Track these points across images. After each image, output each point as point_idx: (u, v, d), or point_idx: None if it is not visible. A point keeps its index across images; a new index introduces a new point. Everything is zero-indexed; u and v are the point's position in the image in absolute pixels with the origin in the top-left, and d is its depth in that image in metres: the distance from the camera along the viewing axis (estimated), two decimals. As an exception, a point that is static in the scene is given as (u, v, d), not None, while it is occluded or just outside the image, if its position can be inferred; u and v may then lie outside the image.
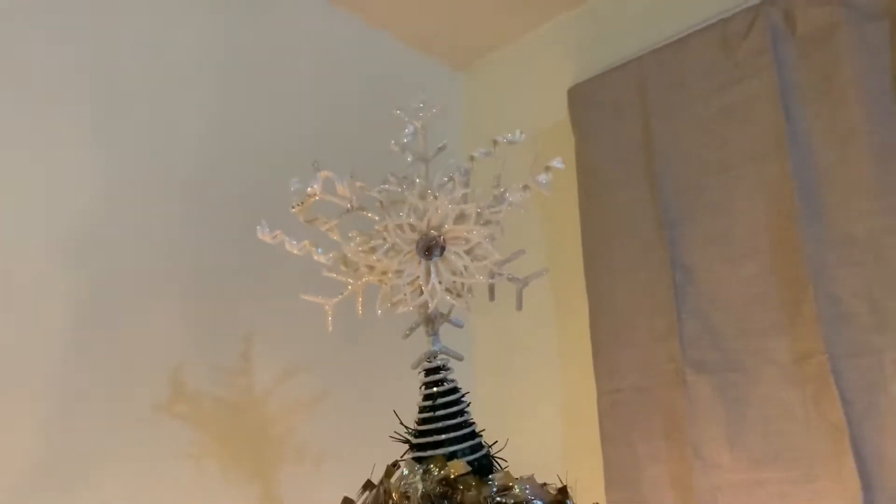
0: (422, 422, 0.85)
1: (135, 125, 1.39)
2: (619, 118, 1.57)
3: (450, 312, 0.84)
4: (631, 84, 1.56)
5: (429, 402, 0.84)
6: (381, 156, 1.61)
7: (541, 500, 0.77)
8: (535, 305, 0.88)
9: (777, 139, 1.34)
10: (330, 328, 0.83)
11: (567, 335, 1.66)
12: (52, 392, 1.26)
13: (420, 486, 0.74)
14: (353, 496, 1.40)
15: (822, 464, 1.21)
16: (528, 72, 1.84)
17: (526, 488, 0.77)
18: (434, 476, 0.75)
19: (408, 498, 0.74)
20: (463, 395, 0.85)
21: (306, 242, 0.82)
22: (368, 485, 0.82)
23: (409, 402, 1.56)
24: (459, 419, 0.83)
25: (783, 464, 1.25)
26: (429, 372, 0.86)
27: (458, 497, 0.73)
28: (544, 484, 0.81)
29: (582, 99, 1.64)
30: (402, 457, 0.84)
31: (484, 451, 0.83)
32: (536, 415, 1.67)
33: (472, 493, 0.74)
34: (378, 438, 1.51)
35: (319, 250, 0.82)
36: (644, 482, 1.39)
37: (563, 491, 0.81)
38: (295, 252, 0.82)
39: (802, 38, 1.35)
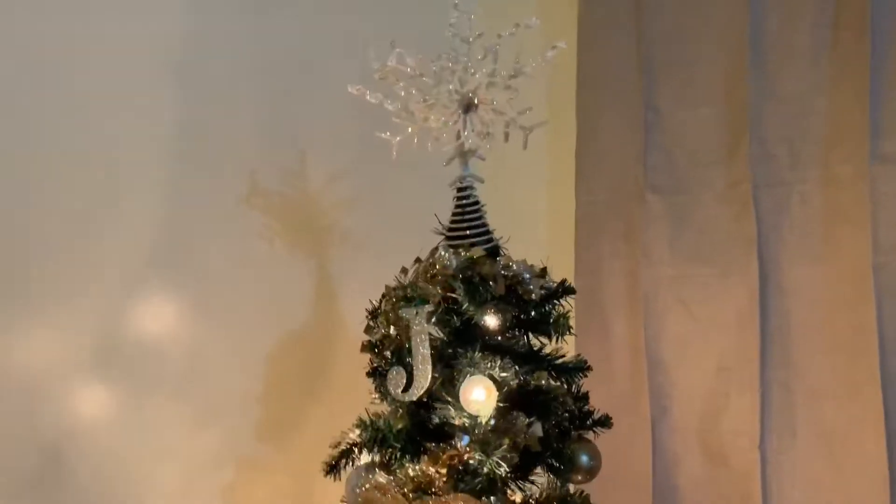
0: (454, 222, 1.24)
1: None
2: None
3: (476, 150, 1.21)
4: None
5: (459, 209, 1.23)
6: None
7: (529, 274, 1.19)
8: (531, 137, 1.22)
9: (741, 8, 1.63)
10: (394, 156, 1.20)
11: (554, 160, 2.01)
12: (162, 184, 1.65)
13: (455, 262, 1.15)
14: (384, 275, 1.83)
15: (734, 264, 1.60)
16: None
17: (521, 266, 1.19)
18: (463, 256, 1.16)
19: (445, 268, 1.15)
20: (482, 206, 1.25)
21: (379, 94, 1.18)
22: (417, 260, 1.23)
23: (427, 206, 1.95)
24: (479, 221, 1.23)
25: (707, 263, 1.64)
26: (460, 189, 1.24)
27: (478, 269, 1.14)
28: (532, 265, 1.23)
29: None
30: (438, 244, 1.24)
31: (494, 243, 1.23)
32: (525, 221, 2.06)
33: (487, 267, 1.15)
34: (402, 234, 1.91)
35: (388, 102, 1.17)
36: (604, 272, 1.78)
37: (543, 270, 1.23)
38: (372, 102, 1.17)
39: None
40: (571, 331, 1.19)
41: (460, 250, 1.18)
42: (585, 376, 1.23)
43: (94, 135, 1.55)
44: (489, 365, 1.09)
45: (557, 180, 1.97)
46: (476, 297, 1.11)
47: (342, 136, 1.82)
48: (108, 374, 1.57)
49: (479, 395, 1.05)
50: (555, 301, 1.19)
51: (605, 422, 1.25)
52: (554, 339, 1.19)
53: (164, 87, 1.63)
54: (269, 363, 1.76)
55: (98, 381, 1.56)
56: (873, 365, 1.46)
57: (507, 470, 1.04)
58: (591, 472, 1.20)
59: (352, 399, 1.82)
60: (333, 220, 1.85)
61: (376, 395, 1.21)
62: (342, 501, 1.20)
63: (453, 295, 1.13)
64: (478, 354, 1.10)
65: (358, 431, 1.17)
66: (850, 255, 1.50)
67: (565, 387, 1.19)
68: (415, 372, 1.10)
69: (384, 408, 1.21)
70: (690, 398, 1.67)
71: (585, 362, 1.23)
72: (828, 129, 1.54)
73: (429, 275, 1.16)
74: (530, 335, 1.21)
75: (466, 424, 1.08)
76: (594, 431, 1.25)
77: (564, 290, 1.20)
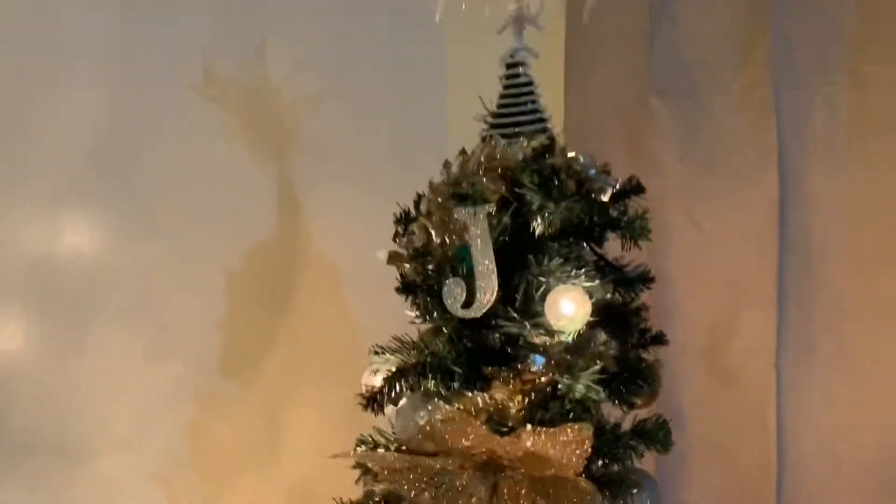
0: (503, 105, 1.03)
1: None
2: None
3: (536, 16, 1.00)
4: None
5: (513, 89, 1.03)
6: None
7: (594, 168, 1.02)
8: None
9: None
10: (438, 18, 0.98)
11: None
12: (104, 74, 1.36)
13: (520, 153, 0.95)
14: (353, 188, 1.61)
15: (751, 174, 1.50)
16: None
17: (587, 160, 1.01)
18: (529, 145, 0.96)
19: (507, 160, 0.95)
20: (536, 87, 1.05)
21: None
22: (463, 151, 1.02)
23: (401, 107, 1.73)
24: (533, 105, 1.04)
25: (720, 173, 1.52)
26: (510, 66, 1.04)
27: (548, 161, 0.96)
28: (595, 160, 1.05)
29: None
30: (485, 132, 1.03)
31: (550, 132, 1.05)
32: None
33: (559, 158, 0.97)
34: (372, 135, 1.70)
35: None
36: (599, 185, 1.68)
37: (605, 165, 1.06)
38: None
39: None
40: (650, 235, 1.03)
41: (521, 139, 0.98)
42: (649, 288, 1.08)
43: (26, 16, 1.28)
44: (571, 274, 0.91)
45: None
46: (550, 193, 0.92)
47: (308, 22, 1.57)
48: (44, 302, 1.31)
49: (569, 309, 0.87)
50: (623, 201, 1.02)
51: (661, 338, 1.11)
52: (628, 245, 1.02)
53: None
54: (228, 284, 1.53)
55: (31, 311, 1.29)
56: (898, 281, 1.39)
57: (601, 393, 0.88)
58: (653, 396, 1.06)
59: (321, 322, 1.62)
60: (298, 119, 1.60)
61: (415, 314, 1.00)
62: (384, 431, 0.99)
63: (519, 191, 0.94)
64: (555, 262, 0.91)
65: (394, 357, 0.97)
66: (879, 165, 1.42)
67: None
68: (477, 283, 0.91)
69: (420, 329, 1.01)
70: (697, 316, 1.57)
71: (649, 272, 1.08)
72: (859, 29, 1.43)
73: (484, 168, 0.96)
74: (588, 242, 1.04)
75: (547, 343, 0.90)
76: (648, 351, 1.10)
77: (634, 188, 1.03)
